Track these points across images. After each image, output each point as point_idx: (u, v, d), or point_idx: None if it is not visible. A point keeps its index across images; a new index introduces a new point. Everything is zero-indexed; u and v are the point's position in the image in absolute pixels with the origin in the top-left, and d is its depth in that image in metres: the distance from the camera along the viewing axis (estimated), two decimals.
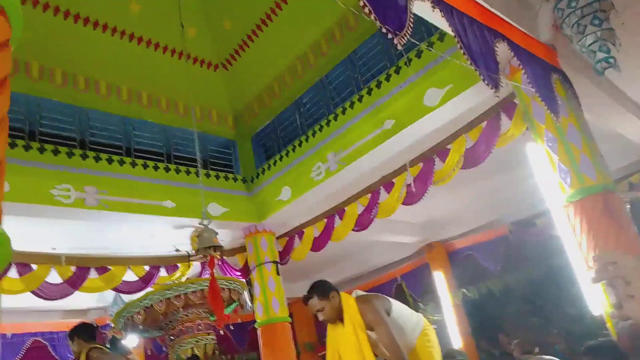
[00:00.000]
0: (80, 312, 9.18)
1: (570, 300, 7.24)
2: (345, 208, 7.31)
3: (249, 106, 8.40)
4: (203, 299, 5.67)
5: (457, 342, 9.17)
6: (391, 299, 3.86)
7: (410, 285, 10.66)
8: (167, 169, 7.12)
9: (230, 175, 7.94)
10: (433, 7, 3.64)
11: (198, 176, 6.45)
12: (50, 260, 6.59)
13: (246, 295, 6.50)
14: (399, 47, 3.16)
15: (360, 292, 3.88)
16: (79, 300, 8.05)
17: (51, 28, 6.54)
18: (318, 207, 7.57)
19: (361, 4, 2.96)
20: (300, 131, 7.50)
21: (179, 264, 7.65)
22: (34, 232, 6.20)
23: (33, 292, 6.42)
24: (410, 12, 3.31)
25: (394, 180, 6.73)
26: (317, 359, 11.89)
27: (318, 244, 7.65)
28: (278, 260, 7.88)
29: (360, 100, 6.55)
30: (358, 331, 3.56)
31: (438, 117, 5.75)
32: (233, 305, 6.48)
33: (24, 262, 6.39)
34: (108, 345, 5.25)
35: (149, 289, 6.95)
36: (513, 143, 5.63)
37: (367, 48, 6.81)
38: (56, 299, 6.63)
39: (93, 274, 6.82)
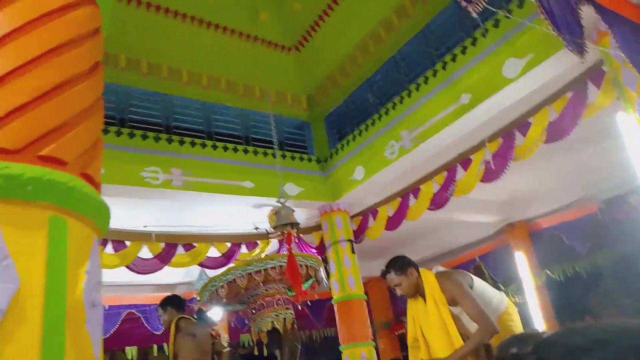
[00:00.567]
0: (169, 286, 9.83)
1: None
2: (420, 187, 7.21)
3: (321, 87, 8.47)
4: (282, 275, 5.86)
5: (540, 325, 8.83)
6: (473, 276, 3.80)
7: (489, 266, 10.36)
8: (245, 151, 7.39)
9: (305, 156, 8.09)
10: None
11: (275, 157, 6.64)
12: (142, 237, 7.11)
13: (322, 272, 6.64)
14: (474, 15, 3.06)
15: (441, 268, 3.85)
16: (168, 275, 8.62)
17: (135, 21, 6.95)
18: (392, 186, 7.53)
19: None
20: (373, 110, 7.46)
21: (258, 241, 7.96)
22: (127, 211, 6.70)
23: (127, 267, 6.97)
24: None
25: (471, 157, 6.54)
26: (394, 337, 11.95)
27: (392, 223, 7.63)
28: (353, 238, 7.95)
29: (434, 75, 6.39)
30: (440, 306, 3.54)
31: (518, 88, 5.49)
32: (310, 282, 6.64)
33: (119, 240, 6.95)
34: (195, 317, 5.61)
35: (231, 265, 7.30)
36: (601, 113, 5.27)
37: (441, 21, 6.60)
38: (147, 273, 7.17)
39: (180, 250, 7.30)
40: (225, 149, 7.20)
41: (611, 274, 8.87)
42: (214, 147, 7.12)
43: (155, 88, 7.12)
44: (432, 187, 7.02)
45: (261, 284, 5.94)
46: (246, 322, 7.17)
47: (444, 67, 6.27)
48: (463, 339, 3.46)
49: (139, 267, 7.05)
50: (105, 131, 6.28)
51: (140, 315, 10.18)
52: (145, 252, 7.12)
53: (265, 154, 7.53)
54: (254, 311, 6.18)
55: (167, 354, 7.54)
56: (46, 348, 1.20)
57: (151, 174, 6.35)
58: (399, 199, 7.53)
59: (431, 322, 3.56)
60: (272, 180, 6.77)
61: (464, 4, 2.96)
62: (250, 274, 5.79)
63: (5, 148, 1.30)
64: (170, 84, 7.28)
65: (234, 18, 7.72)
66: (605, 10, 3.97)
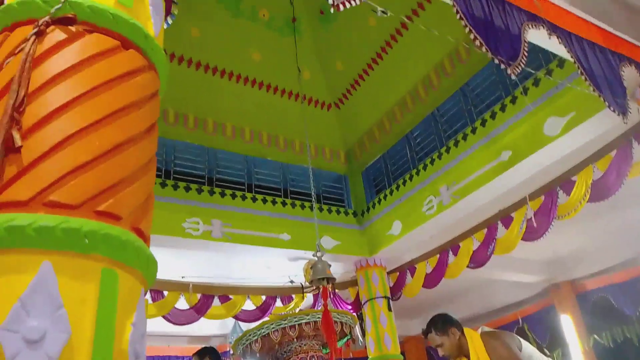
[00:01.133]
0: (203, 338, 9.80)
1: None
2: (460, 243, 7.08)
3: (360, 141, 8.60)
4: (316, 331, 5.77)
5: None
6: (521, 338, 3.64)
7: (533, 328, 9.88)
8: (283, 204, 7.49)
9: (342, 209, 8.12)
10: (549, 34, 3.53)
11: (312, 210, 6.69)
12: (180, 287, 7.20)
13: (358, 329, 6.50)
14: (514, 77, 3.10)
15: (487, 328, 3.70)
16: (202, 327, 8.62)
17: (185, 78, 7.36)
18: (430, 242, 7.42)
19: (472, 36, 2.97)
20: (411, 165, 7.50)
21: (293, 295, 7.91)
22: (166, 261, 6.82)
23: (164, 317, 7.02)
24: (525, 40, 3.25)
25: (512, 215, 6.41)
26: None
27: (431, 281, 7.46)
28: (389, 295, 7.80)
29: (473, 132, 6.41)
30: None
31: (560, 147, 5.43)
32: (345, 339, 6.49)
33: (157, 289, 7.05)
34: None
35: (265, 319, 7.25)
36: None
37: (480, 79, 6.69)
38: (183, 324, 7.19)
39: (216, 302, 7.32)
40: (265, 201, 7.33)
41: None
42: (254, 199, 7.26)
43: (201, 142, 7.41)
44: (472, 244, 6.88)
45: (295, 340, 5.84)
46: None
47: (483, 124, 6.30)
48: None
49: (175, 317, 7.09)
50: None
51: None
52: (182, 303, 7.17)
53: (302, 206, 7.61)
54: None
55: None
56: None
57: (192, 225, 6.51)
58: (438, 256, 7.39)
59: None
60: (309, 233, 6.81)
61: (503, 66, 3.02)
62: (284, 328, 5.72)
63: (66, 203, 1.40)
64: (214, 138, 7.57)
65: (278, 76, 8.06)
66: None
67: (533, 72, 3.65)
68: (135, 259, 1.49)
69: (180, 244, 6.50)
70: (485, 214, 6.74)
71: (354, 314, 7.84)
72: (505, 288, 9.36)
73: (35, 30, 1.57)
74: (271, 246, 7.01)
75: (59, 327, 1.26)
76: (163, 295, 7.05)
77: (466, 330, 3.59)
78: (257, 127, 8.03)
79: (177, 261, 7.01)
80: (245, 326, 7.63)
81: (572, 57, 3.66)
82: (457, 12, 3.07)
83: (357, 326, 7.59)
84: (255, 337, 5.95)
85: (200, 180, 7.07)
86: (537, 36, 3.64)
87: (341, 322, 6.66)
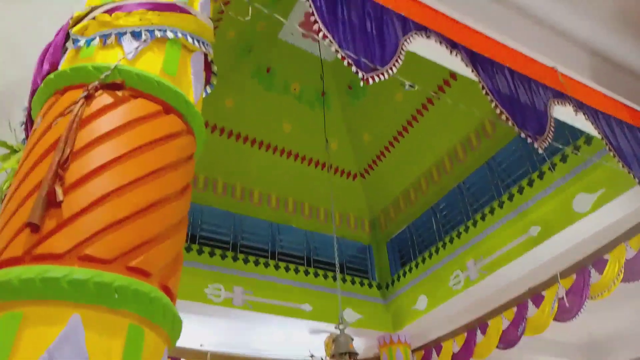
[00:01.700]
0: None
1: None
2: (489, 322, 6.79)
3: (385, 212, 8.59)
4: None
5: None
6: None
7: None
8: (306, 272, 7.41)
9: (366, 281, 7.97)
10: (576, 111, 3.59)
11: (335, 280, 6.59)
12: (197, 356, 7.02)
13: None
14: (541, 152, 3.12)
15: None
16: None
17: (217, 145, 7.60)
18: (458, 319, 7.14)
19: (498, 111, 3.04)
20: (437, 237, 7.40)
21: None
22: (185, 327, 6.70)
23: None
24: (551, 116, 3.30)
25: (543, 293, 6.18)
26: None
27: None
28: None
29: (500, 206, 6.35)
30: None
31: (591, 224, 5.31)
32: None
33: (175, 356, 6.88)
34: None
35: None
36: None
37: (506, 154, 6.72)
38: None
39: None
40: (287, 269, 7.27)
41: None
42: (277, 266, 7.21)
43: (228, 207, 7.51)
44: (501, 323, 6.59)
45: None
46: None
47: (510, 199, 6.24)
48: None
49: None
50: None
51: None
52: None
53: (325, 276, 7.51)
54: None
55: None
56: None
57: (214, 291, 6.46)
58: (465, 334, 7.08)
59: None
60: (331, 304, 6.66)
61: (530, 140, 3.05)
62: None
63: (100, 258, 1.44)
64: (241, 204, 7.67)
65: (307, 146, 8.26)
66: None
67: (561, 147, 3.66)
68: (162, 317, 1.49)
69: (201, 310, 6.41)
70: (515, 291, 6.51)
71: None
72: None
73: (85, 93, 1.69)
74: (292, 316, 6.85)
75: None
76: None
77: None
78: (284, 194, 8.13)
79: (196, 328, 6.88)
80: None
81: (599, 134, 3.69)
82: (483, 87, 3.16)
83: None
84: None
85: (224, 245, 7.09)
86: (563, 113, 3.69)
87: None
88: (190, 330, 6.80)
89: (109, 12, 1.96)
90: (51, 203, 1.46)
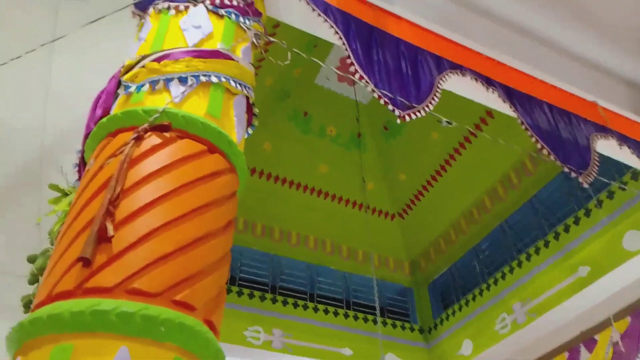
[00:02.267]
0: None
1: None
2: None
3: (425, 253, 8.42)
4: None
5: None
6: None
7: None
8: (346, 315, 7.28)
9: (407, 325, 7.75)
10: (620, 145, 3.51)
11: (376, 324, 6.45)
12: None
13: None
14: (586, 186, 3.04)
15: None
16: None
17: (255, 188, 7.73)
18: None
19: (539, 146, 3.00)
20: (481, 279, 7.17)
21: None
22: None
23: None
24: (594, 150, 3.24)
25: (596, 337, 5.83)
26: None
27: None
28: None
29: (546, 245, 6.14)
30: None
31: None
32: None
33: None
34: None
35: None
36: None
37: (550, 191, 6.54)
38: None
39: None
40: (326, 312, 7.17)
41: None
42: (315, 309, 7.13)
43: (266, 249, 7.54)
44: None
45: None
46: None
47: (556, 238, 6.03)
48: None
49: None
50: None
51: None
52: None
53: (365, 319, 7.35)
54: None
55: None
56: None
57: (253, 334, 6.42)
58: None
59: None
60: (372, 348, 6.48)
61: (574, 174, 2.99)
62: None
63: (147, 291, 1.48)
64: (279, 245, 7.70)
65: (343, 187, 8.29)
66: None
67: (607, 181, 3.56)
68: (205, 351, 1.51)
69: (241, 353, 6.35)
70: (566, 335, 6.16)
71: None
72: None
73: (135, 135, 1.79)
74: None
75: None
76: None
77: None
78: (321, 236, 8.11)
79: None
80: None
81: None
82: (522, 123, 3.14)
83: None
84: None
85: (263, 287, 7.09)
86: (607, 147, 3.61)
87: None
88: None
89: (158, 60, 2.09)
90: (102, 238, 1.53)
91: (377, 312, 6.04)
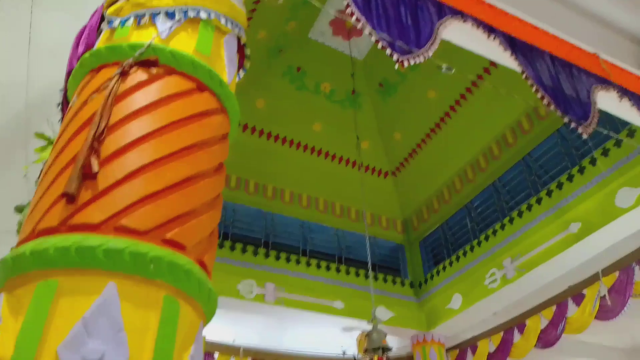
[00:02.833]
0: None
1: None
2: (526, 321, 6.58)
3: (417, 211, 8.45)
4: None
5: None
6: None
7: None
8: (338, 270, 7.35)
9: (398, 279, 7.85)
10: (620, 97, 3.44)
11: (367, 278, 6.52)
12: (230, 351, 7.06)
13: None
14: (585, 137, 2.98)
15: None
16: None
17: (248, 145, 7.64)
18: (493, 319, 6.95)
19: (539, 95, 2.93)
20: (472, 236, 7.22)
21: None
22: (219, 323, 6.75)
23: None
24: (595, 102, 3.17)
25: (584, 292, 5.95)
26: None
27: None
28: None
29: (538, 202, 6.16)
30: None
31: (634, 219, 5.09)
32: None
33: (208, 351, 6.93)
34: None
35: None
36: None
37: (544, 150, 6.50)
38: None
39: None
40: (319, 266, 7.23)
41: None
42: (308, 264, 7.18)
43: (259, 206, 7.52)
44: (539, 323, 6.37)
45: None
46: None
47: (549, 195, 6.04)
48: None
49: None
50: None
51: None
52: None
53: (357, 274, 7.43)
54: None
55: None
56: None
57: (246, 287, 6.47)
58: (502, 334, 6.88)
59: None
60: (363, 302, 6.57)
61: (574, 125, 2.93)
62: None
63: (135, 229, 1.43)
64: (272, 203, 7.67)
65: (337, 145, 8.21)
66: None
67: (602, 141, 3.52)
68: (197, 291, 1.47)
69: (234, 306, 6.43)
70: (554, 290, 6.28)
71: None
72: None
73: (120, 70, 1.70)
74: (324, 313, 6.78)
75: (118, 351, 1.24)
76: (214, 358, 6.92)
77: None
78: (314, 194, 8.09)
79: (229, 323, 6.91)
80: None
81: None
82: (523, 72, 3.05)
83: None
84: None
85: (256, 243, 7.11)
86: (607, 99, 3.54)
87: None
88: (222, 326, 6.86)
89: None
90: (87, 175, 1.47)
91: (369, 267, 6.09)
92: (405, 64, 2.57)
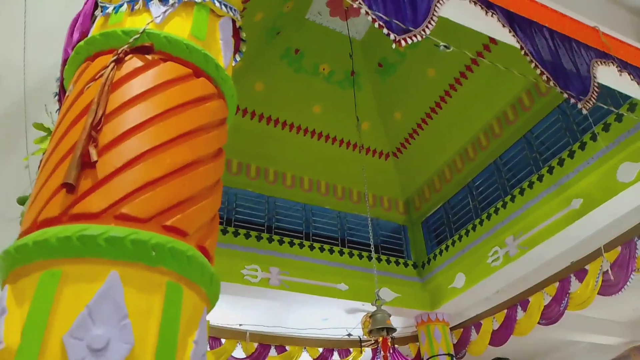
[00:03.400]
0: None
1: None
2: (529, 298, 6.62)
3: (419, 191, 8.46)
4: None
5: None
6: None
7: None
8: (341, 253, 7.39)
9: (401, 260, 7.89)
10: (620, 71, 3.40)
11: (370, 260, 6.54)
12: (237, 336, 7.12)
13: None
14: (585, 112, 2.97)
15: None
16: None
17: (248, 130, 7.62)
18: (497, 296, 7.00)
19: (538, 72, 2.90)
20: (474, 215, 7.24)
21: (351, 349, 7.62)
22: (225, 308, 6.82)
23: None
24: (594, 76, 3.14)
25: (586, 267, 5.97)
26: None
27: (498, 338, 6.97)
28: (453, 353, 7.34)
29: (540, 179, 6.15)
30: None
31: (636, 194, 5.08)
32: None
33: (215, 336, 7.00)
34: None
35: None
36: None
37: (545, 127, 6.48)
38: None
39: (273, 352, 7.16)
40: (322, 249, 7.27)
41: None
42: (311, 247, 7.22)
43: (261, 191, 7.54)
44: (542, 299, 6.41)
45: None
46: None
47: (550, 172, 6.03)
48: None
49: None
50: None
51: None
52: (239, 351, 7.08)
53: (360, 256, 7.47)
54: None
55: None
56: None
57: (250, 272, 6.52)
58: (505, 311, 6.93)
59: None
60: (367, 284, 6.63)
61: (573, 101, 2.91)
62: None
63: (136, 216, 1.43)
64: (274, 187, 7.69)
65: (338, 127, 8.19)
66: None
67: (603, 115, 3.49)
68: (200, 276, 1.48)
69: (239, 291, 6.48)
70: (557, 266, 6.31)
71: None
72: (581, 350, 8.60)
73: (115, 57, 1.68)
74: (328, 296, 6.85)
75: (123, 338, 1.25)
76: (220, 343, 7.00)
77: None
78: (316, 177, 8.10)
79: (235, 308, 6.98)
80: None
81: None
82: (522, 48, 3.02)
83: None
84: None
85: (259, 227, 7.13)
86: (607, 73, 3.51)
87: None
88: (228, 311, 6.93)
89: None
90: (86, 164, 1.46)
91: (372, 248, 6.11)
92: (403, 43, 2.55)
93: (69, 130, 1.59)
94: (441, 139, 7.93)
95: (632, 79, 3.50)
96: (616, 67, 3.45)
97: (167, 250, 1.39)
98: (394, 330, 4.87)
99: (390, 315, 5.08)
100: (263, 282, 6.50)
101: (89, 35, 1.90)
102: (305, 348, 7.37)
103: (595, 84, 3.17)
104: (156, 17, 1.84)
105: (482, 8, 3.02)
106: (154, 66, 1.73)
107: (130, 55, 1.72)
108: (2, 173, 5.51)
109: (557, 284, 6.28)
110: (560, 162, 5.94)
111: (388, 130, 8.53)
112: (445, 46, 2.69)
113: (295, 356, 7.23)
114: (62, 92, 2.07)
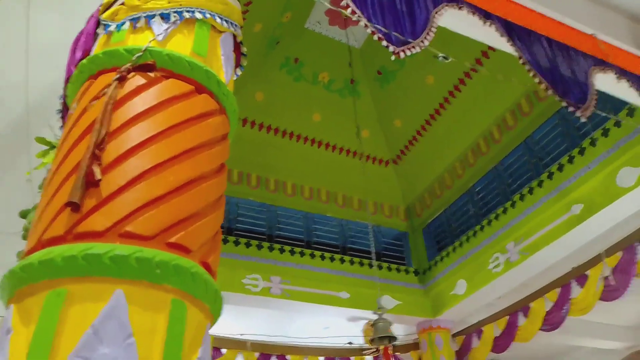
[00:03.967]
0: None
1: None
2: (531, 304, 6.62)
3: (420, 198, 8.47)
4: None
5: None
6: None
7: None
8: (342, 261, 7.38)
9: (403, 268, 7.89)
10: (618, 78, 3.42)
11: (372, 268, 6.55)
12: (238, 345, 7.10)
13: None
14: (584, 120, 2.98)
15: None
16: None
17: (249, 139, 7.64)
18: (498, 303, 6.99)
19: (537, 80, 2.92)
20: (475, 221, 7.24)
21: (352, 358, 7.60)
22: (225, 318, 6.80)
23: None
24: (593, 84, 3.16)
25: (587, 273, 5.97)
26: None
27: (500, 345, 6.96)
28: None
29: (540, 185, 6.16)
30: None
31: (636, 198, 5.09)
32: None
33: (216, 346, 6.98)
34: None
35: None
36: None
37: (544, 132, 6.50)
38: None
39: None
40: (323, 257, 7.26)
41: None
42: (312, 255, 7.21)
43: (262, 199, 7.54)
44: (544, 305, 6.41)
45: None
46: None
47: (550, 177, 6.05)
48: None
49: None
50: None
51: None
52: None
53: (361, 264, 7.46)
54: None
55: None
56: None
57: (252, 281, 6.51)
58: (507, 318, 6.92)
59: None
60: (368, 292, 6.62)
61: (572, 109, 2.93)
62: None
63: (140, 234, 1.44)
64: (275, 196, 7.70)
65: (338, 135, 8.22)
66: None
67: (602, 121, 3.51)
68: (204, 292, 1.49)
69: (240, 301, 6.47)
70: (558, 272, 6.30)
71: None
72: (584, 355, 8.57)
73: (118, 75, 1.70)
74: (330, 304, 6.84)
75: (128, 357, 1.26)
76: (221, 353, 6.98)
77: None
78: (317, 185, 8.11)
79: (236, 318, 6.97)
80: None
81: None
82: (520, 57, 3.05)
83: None
84: None
85: (260, 236, 7.13)
86: (605, 81, 3.53)
87: None
88: (230, 321, 6.91)
89: None
90: (90, 183, 1.48)
91: (373, 256, 6.11)
92: (402, 55, 2.57)
93: (73, 149, 1.60)
94: (441, 146, 7.94)
95: (630, 86, 3.52)
96: (614, 74, 3.47)
97: (172, 267, 1.40)
98: (395, 338, 4.87)
99: (391, 324, 5.08)
100: (264, 291, 6.50)
101: (92, 54, 1.92)
102: (306, 357, 7.35)
103: (594, 92, 3.19)
104: (158, 35, 1.86)
105: (480, 18, 3.04)
106: (156, 83, 1.74)
107: (133, 73, 1.73)
108: (4, 187, 5.52)
109: (558, 290, 6.28)
110: (560, 168, 5.96)
111: (388, 137, 8.55)
112: (444, 57, 2.71)
113: None
114: (65, 110, 2.09)
